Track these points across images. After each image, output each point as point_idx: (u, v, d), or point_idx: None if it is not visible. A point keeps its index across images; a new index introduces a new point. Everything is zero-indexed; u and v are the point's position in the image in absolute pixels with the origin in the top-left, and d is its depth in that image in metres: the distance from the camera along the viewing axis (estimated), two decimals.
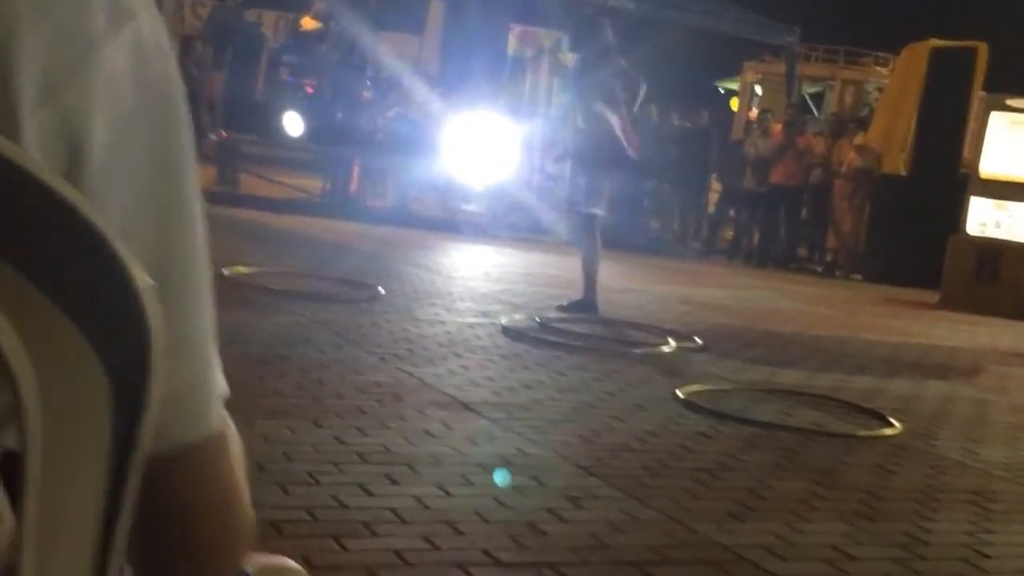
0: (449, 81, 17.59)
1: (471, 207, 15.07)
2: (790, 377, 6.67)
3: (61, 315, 0.64)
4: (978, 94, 14.16)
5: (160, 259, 0.72)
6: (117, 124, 0.70)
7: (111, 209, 0.69)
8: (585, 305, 8.03)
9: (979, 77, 14.37)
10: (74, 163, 0.68)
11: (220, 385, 0.79)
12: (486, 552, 3.21)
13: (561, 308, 8.07)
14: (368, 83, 16.02)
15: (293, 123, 19.25)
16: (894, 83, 16.11)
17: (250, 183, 14.55)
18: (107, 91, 0.69)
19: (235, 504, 0.81)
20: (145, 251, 0.70)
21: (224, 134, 13.11)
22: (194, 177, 0.76)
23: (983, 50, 14.39)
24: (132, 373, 0.69)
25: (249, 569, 1.14)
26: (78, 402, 0.65)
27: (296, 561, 1.33)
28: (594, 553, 3.32)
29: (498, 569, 3.10)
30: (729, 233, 16.39)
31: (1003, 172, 12.07)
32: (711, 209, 16.54)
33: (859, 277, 14.40)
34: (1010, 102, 12.23)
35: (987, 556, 3.73)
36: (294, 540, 3.08)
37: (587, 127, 8.11)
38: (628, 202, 15.02)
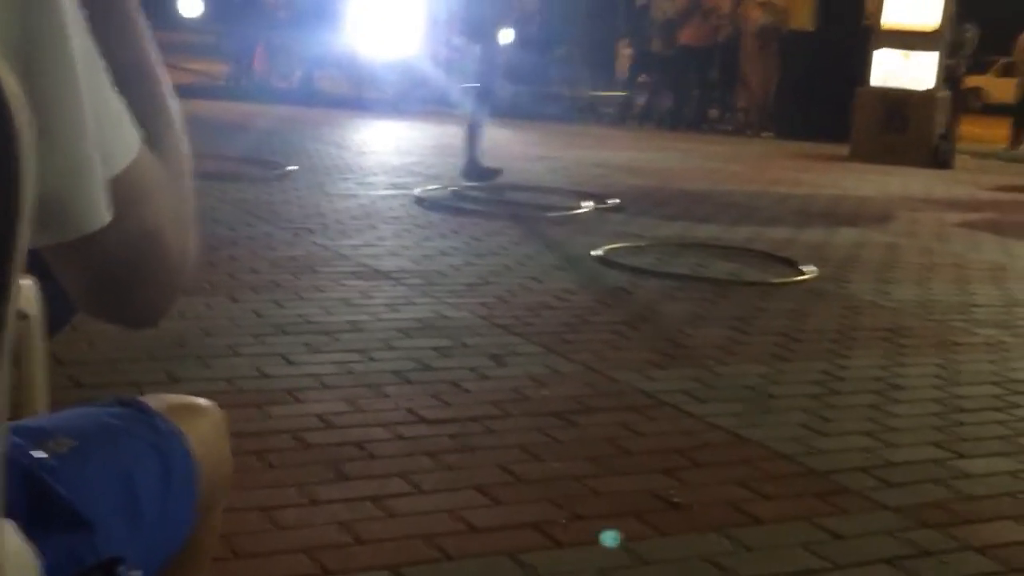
0: None
1: (378, 83, 14.83)
2: (705, 232, 6.73)
3: None
4: None
5: (25, 50, 0.67)
6: None
7: None
8: (480, 171, 7.89)
9: None
10: None
11: (125, 148, 0.76)
12: (410, 411, 3.22)
13: (463, 175, 7.96)
14: None
15: (190, 4, 18.68)
16: None
17: None
18: None
19: (144, 270, 0.81)
20: (7, 42, 0.66)
21: None
22: None
23: None
24: (3, 172, 0.66)
25: (150, 401, 1.12)
26: None
27: None
28: (517, 406, 3.35)
29: (423, 426, 3.11)
30: (641, 99, 16.35)
31: (906, 22, 12.11)
32: (622, 75, 16.46)
33: (770, 134, 14.49)
34: None
35: (900, 387, 3.83)
36: None
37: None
38: (537, 71, 14.92)
